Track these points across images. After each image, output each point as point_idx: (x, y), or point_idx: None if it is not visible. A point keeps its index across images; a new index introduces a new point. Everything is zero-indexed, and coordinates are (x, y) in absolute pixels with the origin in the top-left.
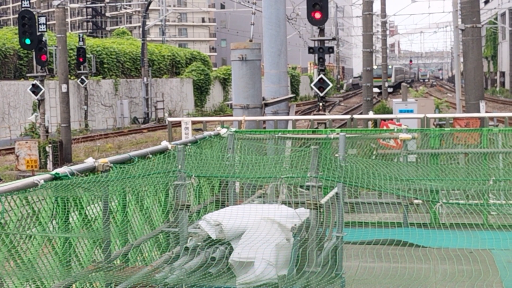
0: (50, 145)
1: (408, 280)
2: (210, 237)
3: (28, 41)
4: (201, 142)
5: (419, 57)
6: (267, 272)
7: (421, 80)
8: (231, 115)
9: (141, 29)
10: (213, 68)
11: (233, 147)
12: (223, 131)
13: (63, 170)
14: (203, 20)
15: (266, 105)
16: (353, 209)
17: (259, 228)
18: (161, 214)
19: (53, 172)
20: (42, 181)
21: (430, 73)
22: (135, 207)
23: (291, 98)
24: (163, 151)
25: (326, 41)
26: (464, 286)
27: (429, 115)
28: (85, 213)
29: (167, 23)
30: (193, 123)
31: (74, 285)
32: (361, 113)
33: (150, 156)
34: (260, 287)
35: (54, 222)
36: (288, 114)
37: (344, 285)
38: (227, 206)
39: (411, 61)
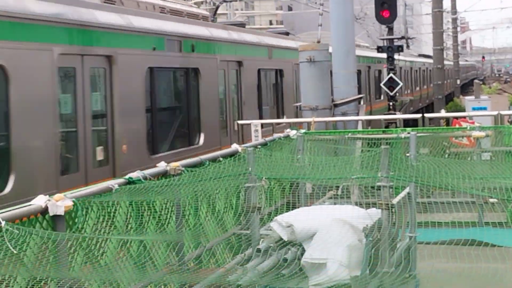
0: None
1: (484, 280)
2: (282, 239)
3: None
4: (271, 144)
5: (491, 53)
6: (339, 273)
7: (497, 75)
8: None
9: None
10: None
11: (303, 148)
12: (292, 133)
13: (136, 174)
14: (270, 23)
15: (336, 106)
16: (426, 209)
17: (330, 229)
18: (233, 216)
19: (127, 177)
20: (116, 186)
21: (504, 68)
22: (207, 210)
23: (360, 98)
24: (233, 154)
25: (395, 40)
26: None
27: (503, 112)
28: (158, 216)
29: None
30: (263, 125)
31: (149, 287)
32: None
33: (221, 159)
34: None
35: (128, 225)
36: (357, 114)
37: (418, 285)
38: (298, 207)
39: (483, 57)
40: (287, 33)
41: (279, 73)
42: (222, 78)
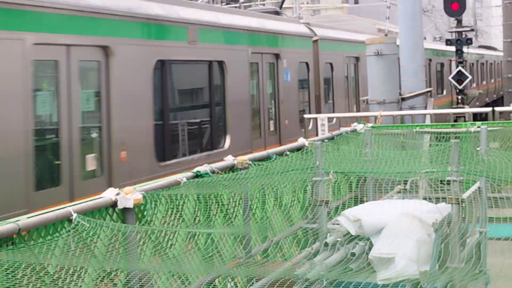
0: None
1: None
2: (349, 233)
3: None
4: (337, 138)
5: None
6: (408, 268)
7: None
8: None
9: None
10: None
11: (371, 142)
12: (359, 127)
13: (203, 168)
14: None
15: (403, 99)
16: (497, 204)
17: (399, 224)
18: (300, 210)
19: (195, 170)
20: (184, 179)
21: None
22: (274, 204)
23: (428, 92)
24: (300, 148)
25: (464, 33)
26: None
27: None
28: (226, 210)
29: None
30: (329, 119)
31: (216, 280)
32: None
33: (288, 153)
34: (401, 282)
35: (196, 218)
36: (425, 108)
37: (489, 281)
38: (365, 202)
39: None
40: (276, 12)
41: (217, 67)
42: (42, 74)
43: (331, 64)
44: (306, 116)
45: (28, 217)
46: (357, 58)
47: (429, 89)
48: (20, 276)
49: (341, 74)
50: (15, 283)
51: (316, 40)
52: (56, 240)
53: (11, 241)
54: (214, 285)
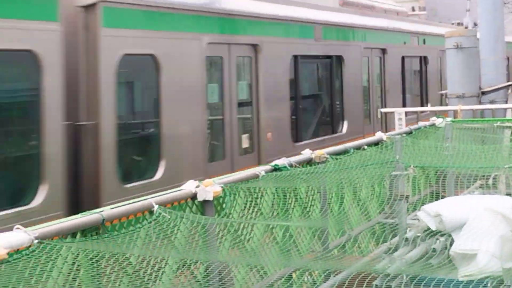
0: None
1: None
2: (429, 228)
3: None
4: (416, 132)
5: None
6: (491, 265)
7: None
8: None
9: None
10: None
11: (451, 137)
12: (438, 121)
13: (282, 161)
14: (413, 9)
15: (483, 93)
16: None
17: (481, 219)
18: (377, 205)
19: (273, 164)
20: (263, 172)
21: None
22: (351, 198)
23: (510, 85)
24: (377, 143)
25: None
26: None
27: None
28: (303, 203)
29: None
30: (407, 114)
31: (294, 274)
32: None
33: (365, 147)
34: (485, 279)
35: (274, 212)
36: (506, 102)
37: None
38: (443, 197)
39: None
40: None
41: None
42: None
43: (153, 58)
44: (381, 110)
45: (111, 208)
46: (255, 47)
47: (510, 82)
48: (104, 265)
49: (184, 78)
50: (100, 272)
51: (93, 6)
52: (138, 231)
53: (95, 231)
54: (293, 281)
